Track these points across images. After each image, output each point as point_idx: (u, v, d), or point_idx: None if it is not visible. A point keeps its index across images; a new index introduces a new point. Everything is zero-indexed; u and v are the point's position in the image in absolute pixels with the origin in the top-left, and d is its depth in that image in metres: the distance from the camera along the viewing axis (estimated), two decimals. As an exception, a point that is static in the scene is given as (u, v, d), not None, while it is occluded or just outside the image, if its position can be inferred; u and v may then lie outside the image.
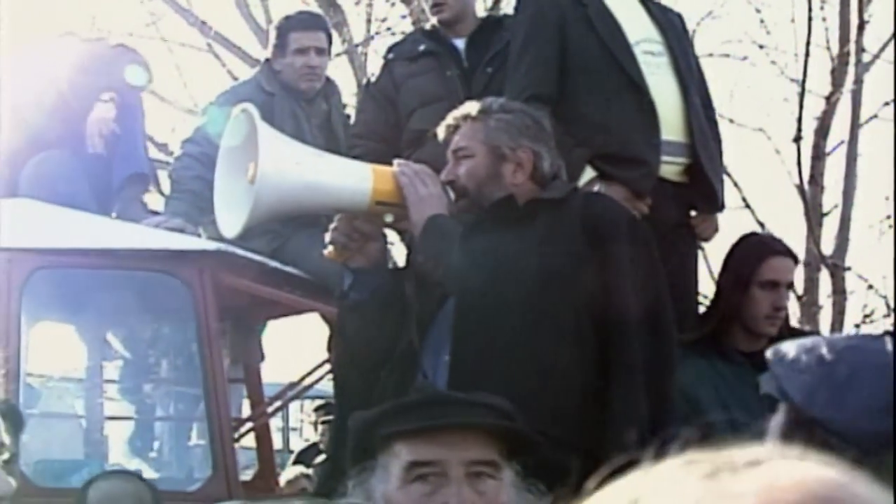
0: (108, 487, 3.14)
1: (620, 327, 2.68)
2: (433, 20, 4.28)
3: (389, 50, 4.42)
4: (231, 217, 2.88)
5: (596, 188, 3.43)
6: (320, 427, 7.39)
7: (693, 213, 3.75)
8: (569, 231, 2.75)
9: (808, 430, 1.14)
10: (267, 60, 4.71)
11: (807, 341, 1.21)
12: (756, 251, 3.51)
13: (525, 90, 3.52)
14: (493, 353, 2.64)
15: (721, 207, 3.79)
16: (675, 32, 3.77)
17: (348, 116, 4.91)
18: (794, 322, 8.00)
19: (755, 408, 3.29)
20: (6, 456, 1.70)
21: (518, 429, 2.02)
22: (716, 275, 3.76)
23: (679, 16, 3.97)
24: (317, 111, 4.66)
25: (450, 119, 3.00)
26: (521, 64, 3.63)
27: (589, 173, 3.49)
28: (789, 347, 1.21)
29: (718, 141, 3.81)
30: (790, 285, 3.53)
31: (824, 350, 1.17)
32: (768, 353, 1.22)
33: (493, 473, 1.96)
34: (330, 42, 4.75)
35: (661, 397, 2.69)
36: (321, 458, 5.94)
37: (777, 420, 1.21)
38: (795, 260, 3.61)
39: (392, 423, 2.01)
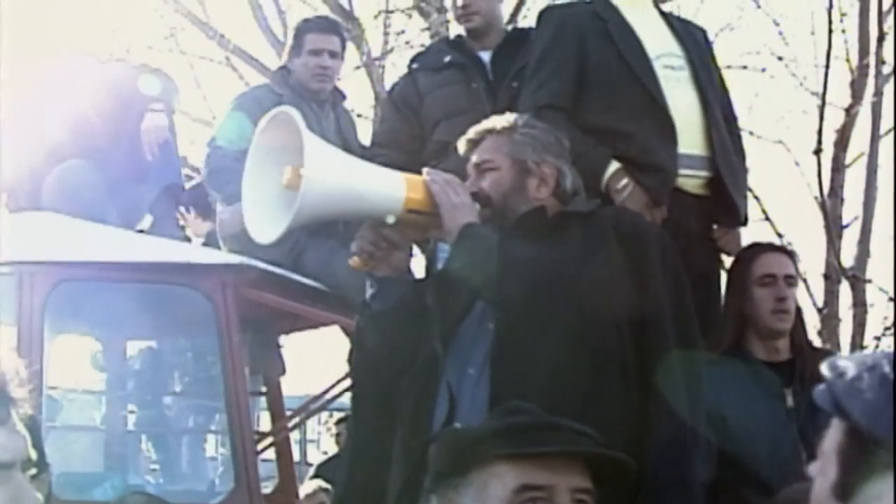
0: None
1: (659, 338, 2.67)
2: (461, 29, 4.28)
3: (413, 60, 4.43)
4: (265, 222, 2.77)
5: (623, 182, 3.42)
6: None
7: (715, 226, 3.74)
8: (605, 242, 2.75)
9: (870, 450, 1.13)
10: (281, 67, 4.81)
11: (866, 358, 1.20)
12: (748, 254, 3.59)
13: (539, 101, 3.52)
14: (536, 361, 2.61)
15: (744, 221, 3.78)
16: (696, 46, 3.76)
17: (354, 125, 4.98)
18: (813, 335, 7.95)
19: (780, 419, 3.30)
20: (33, 471, 1.70)
21: (623, 460, 2.01)
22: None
23: (702, 30, 3.96)
24: (326, 115, 4.71)
25: (471, 133, 2.98)
26: (537, 76, 3.63)
27: (614, 165, 3.48)
28: (847, 364, 1.20)
29: (742, 155, 3.79)
30: (790, 279, 3.53)
31: (887, 369, 1.17)
32: (823, 368, 1.21)
33: (590, 501, 1.96)
34: (343, 47, 4.84)
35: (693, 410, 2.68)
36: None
37: (834, 439, 1.19)
38: (790, 256, 3.64)
39: (503, 443, 1.97)
